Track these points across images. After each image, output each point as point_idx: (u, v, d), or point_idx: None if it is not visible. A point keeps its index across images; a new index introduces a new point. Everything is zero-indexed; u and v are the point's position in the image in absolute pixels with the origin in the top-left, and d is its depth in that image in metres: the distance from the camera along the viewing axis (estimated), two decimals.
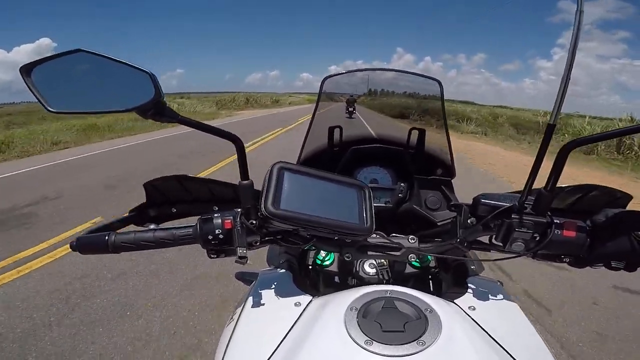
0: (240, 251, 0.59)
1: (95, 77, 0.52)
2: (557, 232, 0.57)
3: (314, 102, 1.00)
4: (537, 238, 0.58)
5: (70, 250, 0.63)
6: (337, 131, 1.01)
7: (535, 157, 0.54)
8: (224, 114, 23.10)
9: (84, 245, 0.62)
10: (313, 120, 0.98)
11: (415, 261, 0.83)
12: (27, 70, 0.50)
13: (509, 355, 0.54)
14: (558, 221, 0.58)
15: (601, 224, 0.60)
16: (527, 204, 0.57)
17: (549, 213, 0.57)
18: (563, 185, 0.66)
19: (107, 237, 0.61)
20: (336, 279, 0.88)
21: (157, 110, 0.51)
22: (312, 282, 0.88)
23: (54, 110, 0.50)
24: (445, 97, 0.99)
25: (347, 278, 0.85)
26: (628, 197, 0.69)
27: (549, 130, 0.52)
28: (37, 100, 0.50)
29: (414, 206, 0.94)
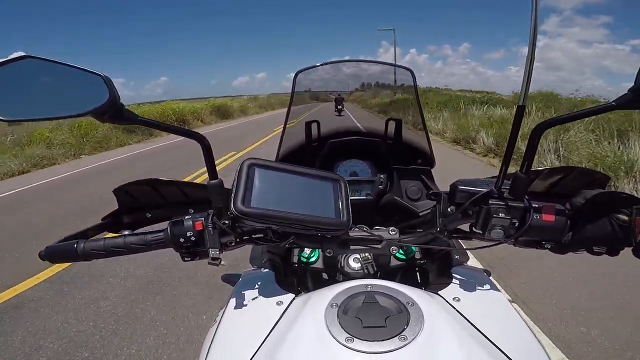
0: (212, 252, 0.57)
1: (46, 83, 0.50)
2: (536, 216, 0.55)
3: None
4: (517, 224, 0.56)
5: None
6: (314, 126, 0.99)
7: (507, 140, 0.53)
8: None
9: (53, 253, 0.61)
10: (288, 117, 0.97)
11: (399, 253, 0.82)
12: None
13: (494, 347, 0.52)
14: (536, 205, 0.56)
15: (580, 206, 0.58)
16: (504, 188, 0.56)
17: (526, 197, 0.56)
18: (540, 168, 0.65)
19: (76, 245, 0.60)
20: (324, 275, 0.87)
21: (114, 112, 0.49)
22: (300, 280, 0.87)
23: (6, 119, 0.48)
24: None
25: (333, 274, 0.84)
26: (606, 178, 0.68)
27: (519, 112, 0.51)
28: None
29: (395, 197, 0.92)
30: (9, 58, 0.47)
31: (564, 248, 0.60)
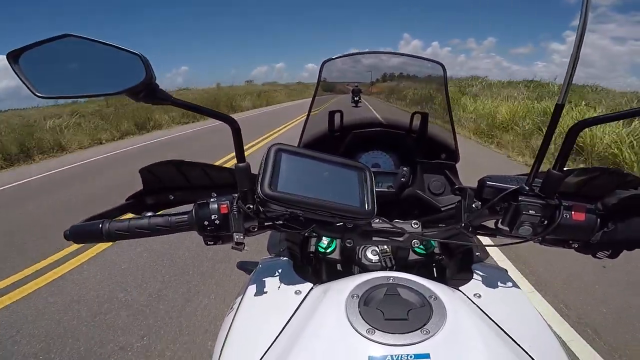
0: (237, 237, 0.58)
1: (84, 61, 0.51)
2: (566, 215, 0.55)
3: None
4: (545, 222, 0.55)
5: None
6: (337, 116, 0.99)
7: (542, 138, 0.52)
8: None
9: (77, 233, 0.62)
10: (312, 105, 0.97)
11: (419, 247, 0.81)
12: (14, 56, 0.49)
13: (515, 344, 0.52)
14: (567, 204, 0.55)
15: (612, 207, 0.57)
16: (534, 186, 0.55)
17: (556, 195, 0.55)
18: (571, 168, 0.63)
19: (101, 225, 0.61)
20: (338, 266, 0.87)
21: (149, 92, 0.49)
22: (314, 271, 0.87)
23: (43, 95, 0.50)
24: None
25: (349, 266, 0.83)
26: (639, 180, 0.66)
27: (557, 111, 0.50)
28: (24, 86, 0.49)
29: (417, 191, 0.92)
30: (51, 36, 0.49)
31: (592, 248, 0.59)
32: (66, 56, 0.50)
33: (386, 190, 0.91)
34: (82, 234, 0.62)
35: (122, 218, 0.64)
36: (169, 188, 0.74)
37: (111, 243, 2.12)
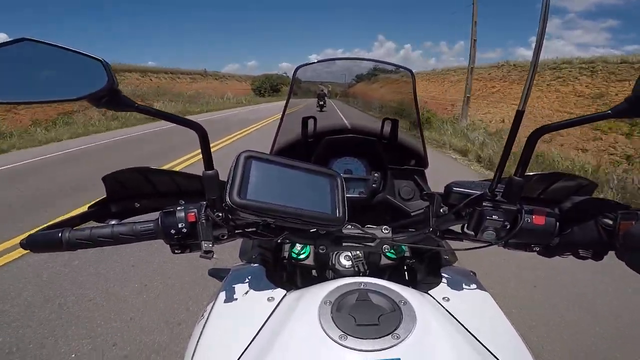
0: (205, 245, 0.56)
1: (43, 66, 0.49)
2: (527, 219, 0.57)
3: None
4: (508, 226, 0.57)
5: None
6: (311, 122, 0.99)
7: (504, 144, 0.53)
8: None
9: (35, 242, 0.59)
10: (285, 111, 0.96)
11: (390, 252, 0.83)
12: None
13: (482, 346, 0.54)
14: (528, 208, 0.57)
15: (568, 211, 0.60)
16: (497, 191, 0.56)
17: (518, 200, 0.57)
18: (531, 173, 0.66)
19: (60, 234, 0.58)
20: (314, 272, 0.87)
21: (111, 98, 0.48)
22: (289, 277, 0.86)
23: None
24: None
25: (324, 271, 0.84)
26: (593, 185, 0.70)
27: (518, 117, 0.51)
28: None
29: (388, 196, 0.93)
30: (6, 40, 0.47)
31: (552, 251, 0.62)
32: (24, 61, 0.48)
33: (358, 196, 0.92)
34: (40, 244, 0.59)
35: (84, 226, 0.61)
36: (135, 195, 0.72)
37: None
